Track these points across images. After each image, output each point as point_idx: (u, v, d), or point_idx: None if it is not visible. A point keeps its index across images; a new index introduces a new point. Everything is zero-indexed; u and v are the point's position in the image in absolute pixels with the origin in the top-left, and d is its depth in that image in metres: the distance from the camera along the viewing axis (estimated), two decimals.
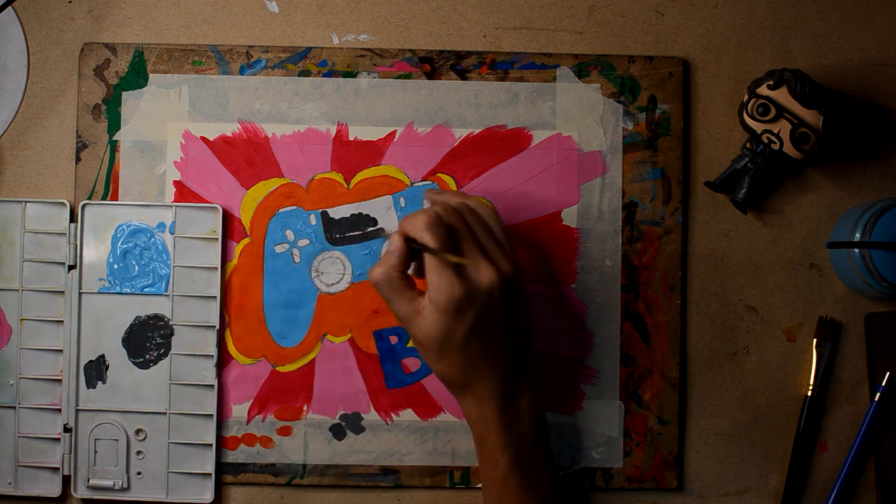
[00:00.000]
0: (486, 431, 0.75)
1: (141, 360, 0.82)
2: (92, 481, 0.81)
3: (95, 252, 0.82)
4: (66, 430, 0.81)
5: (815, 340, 0.83)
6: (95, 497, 0.81)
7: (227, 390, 0.82)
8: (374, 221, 0.83)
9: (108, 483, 0.81)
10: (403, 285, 0.74)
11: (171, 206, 0.82)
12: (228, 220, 0.82)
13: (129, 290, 0.82)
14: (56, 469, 0.81)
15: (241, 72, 0.83)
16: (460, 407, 0.77)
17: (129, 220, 0.82)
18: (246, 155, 0.83)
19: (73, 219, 0.82)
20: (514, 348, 0.75)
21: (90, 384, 0.81)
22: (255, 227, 0.83)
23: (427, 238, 0.72)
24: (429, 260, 0.72)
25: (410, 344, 0.83)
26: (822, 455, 0.84)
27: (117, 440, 0.81)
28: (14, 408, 0.81)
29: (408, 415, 0.83)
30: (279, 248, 0.83)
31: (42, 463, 0.81)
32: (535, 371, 0.78)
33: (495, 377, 0.74)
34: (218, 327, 0.82)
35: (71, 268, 0.81)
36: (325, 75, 0.83)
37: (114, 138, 0.82)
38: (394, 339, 0.83)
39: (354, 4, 0.84)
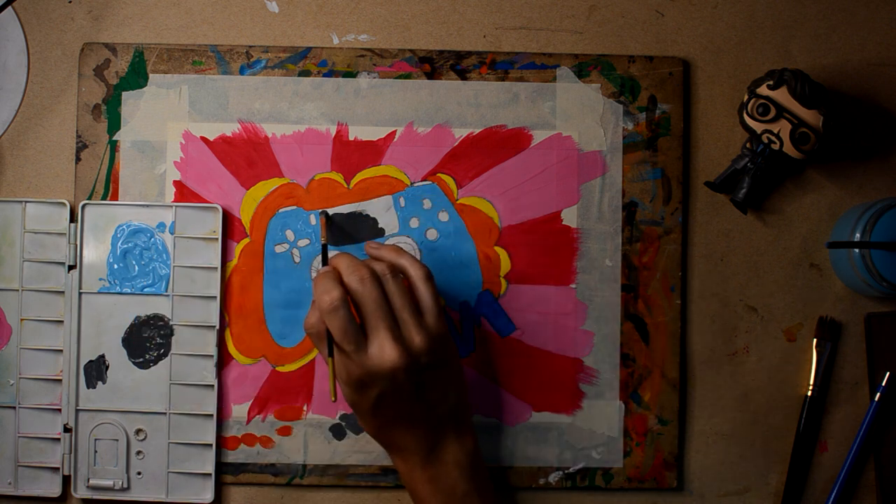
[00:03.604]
0: (414, 484, 0.76)
1: (141, 360, 0.82)
2: (92, 481, 0.81)
3: (95, 252, 0.82)
4: (66, 430, 0.81)
5: (815, 340, 0.83)
6: (95, 497, 0.81)
7: (227, 390, 0.82)
8: (374, 221, 0.83)
9: (108, 483, 0.81)
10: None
11: (171, 206, 0.82)
12: (228, 220, 0.82)
13: (129, 290, 0.82)
14: (56, 469, 0.81)
15: (241, 72, 0.83)
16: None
17: (129, 220, 0.82)
18: (246, 155, 0.83)
19: (73, 219, 0.82)
20: (432, 411, 0.75)
21: (90, 384, 0.81)
22: (255, 227, 0.83)
23: (332, 322, 0.72)
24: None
25: None
26: (822, 455, 0.84)
27: (117, 440, 0.81)
28: (14, 408, 0.81)
29: None
30: (279, 248, 0.83)
31: (42, 463, 0.81)
32: (469, 421, 0.78)
33: (414, 437, 0.75)
34: (218, 327, 0.82)
35: (71, 268, 0.81)
36: (325, 75, 0.83)
37: (114, 138, 0.82)
38: None
39: (354, 4, 0.84)
